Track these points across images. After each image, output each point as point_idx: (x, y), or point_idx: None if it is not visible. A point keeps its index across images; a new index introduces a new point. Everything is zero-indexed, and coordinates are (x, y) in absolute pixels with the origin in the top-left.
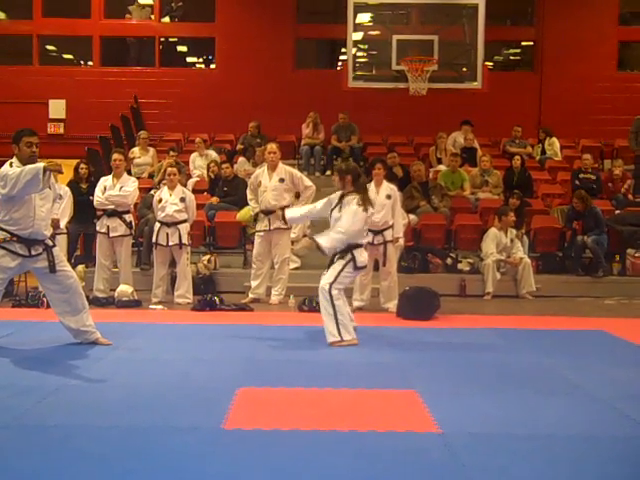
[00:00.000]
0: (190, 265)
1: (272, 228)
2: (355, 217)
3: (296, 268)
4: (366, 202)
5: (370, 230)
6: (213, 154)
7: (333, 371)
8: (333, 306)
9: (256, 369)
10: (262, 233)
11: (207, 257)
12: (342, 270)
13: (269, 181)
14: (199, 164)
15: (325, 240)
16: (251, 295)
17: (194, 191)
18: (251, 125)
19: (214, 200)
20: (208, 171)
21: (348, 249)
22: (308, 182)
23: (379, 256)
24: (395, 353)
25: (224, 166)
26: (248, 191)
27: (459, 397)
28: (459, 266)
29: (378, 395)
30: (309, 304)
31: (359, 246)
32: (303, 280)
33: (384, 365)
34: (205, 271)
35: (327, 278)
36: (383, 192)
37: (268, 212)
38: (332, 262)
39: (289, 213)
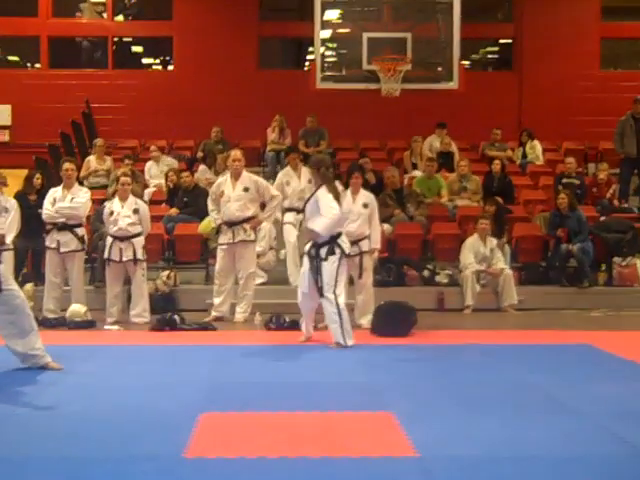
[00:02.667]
0: (147, 282)
1: (236, 241)
2: (332, 203)
3: (262, 283)
4: (334, 191)
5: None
6: (172, 162)
7: (303, 393)
8: (339, 314)
9: (220, 393)
10: (225, 246)
11: (166, 273)
12: (337, 269)
13: (232, 190)
14: (156, 173)
15: (318, 225)
16: (214, 313)
17: (151, 202)
18: (213, 130)
19: (173, 211)
20: (166, 180)
21: (332, 240)
22: (274, 191)
23: (354, 268)
24: (369, 372)
25: (184, 175)
26: (209, 201)
27: (438, 418)
28: (437, 278)
29: (351, 418)
30: (276, 322)
31: (340, 234)
32: (270, 296)
33: (358, 385)
34: (164, 288)
35: (328, 287)
36: (360, 200)
37: (231, 224)
38: (314, 258)
39: (317, 226)
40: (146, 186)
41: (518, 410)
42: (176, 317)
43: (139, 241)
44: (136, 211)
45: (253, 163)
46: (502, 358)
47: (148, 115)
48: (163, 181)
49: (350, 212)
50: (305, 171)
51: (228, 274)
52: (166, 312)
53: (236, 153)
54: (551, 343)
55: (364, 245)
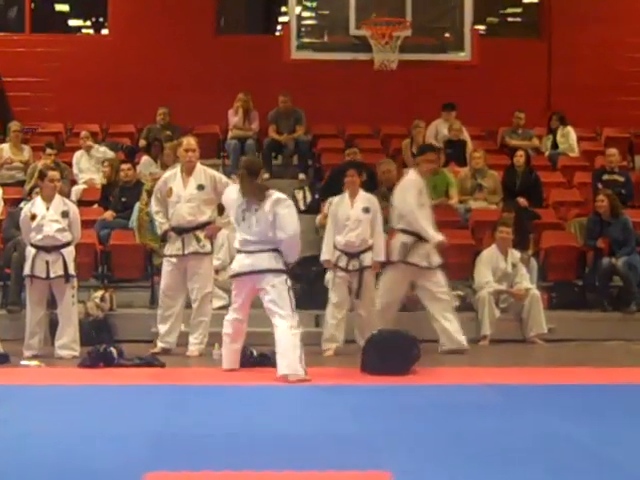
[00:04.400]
0: (77, 305)
1: (187, 252)
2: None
3: (223, 307)
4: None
5: (344, 252)
6: (107, 152)
7: (275, 447)
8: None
9: (170, 447)
10: (173, 259)
11: (100, 293)
12: (289, 293)
13: (184, 188)
14: (87, 166)
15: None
16: (160, 344)
17: (80, 203)
18: (159, 112)
19: (108, 215)
20: (100, 175)
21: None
22: None
23: (352, 285)
24: (360, 422)
25: (123, 167)
26: (153, 201)
27: (445, 479)
28: None
29: (337, 479)
30: (242, 355)
31: None
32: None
33: (345, 438)
34: (97, 312)
35: (285, 318)
36: (359, 204)
37: (181, 230)
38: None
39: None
40: (74, 182)
41: (548, 469)
42: (112, 350)
43: (70, 252)
44: (65, 214)
45: (210, 154)
46: (527, 402)
47: (76, 93)
48: (96, 176)
49: (348, 219)
50: (363, 196)
51: (177, 294)
52: (100, 343)
53: (189, 141)
54: (589, 383)
55: (366, 259)
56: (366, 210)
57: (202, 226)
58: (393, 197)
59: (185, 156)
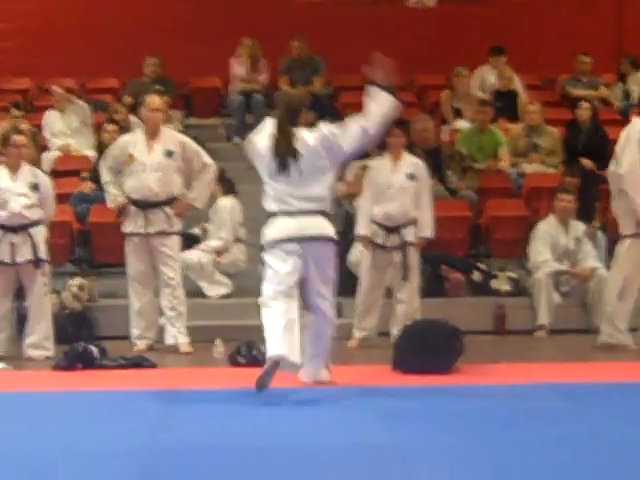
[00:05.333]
0: (50, 295)
1: (152, 231)
2: None
3: (226, 295)
4: None
5: (382, 226)
6: (83, 106)
7: (293, 462)
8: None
9: (163, 463)
10: (135, 239)
11: (77, 282)
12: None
13: (149, 155)
14: (62, 129)
15: None
16: (140, 343)
17: (53, 173)
18: (148, 63)
19: (87, 187)
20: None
21: None
22: (208, 158)
23: (394, 265)
24: (392, 430)
25: (108, 129)
26: (103, 169)
27: None
28: (493, 284)
29: None
30: (247, 352)
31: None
32: (236, 315)
33: (375, 450)
34: (74, 304)
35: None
36: (403, 169)
37: (147, 205)
38: None
39: None
40: (44, 149)
41: None
42: (93, 348)
43: (40, 232)
44: (35, 187)
45: (209, 112)
46: (596, 404)
47: (47, 40)
48: (72, 141)
49: (389, 186)
50: (409, 160)
51: (148, 280)
52: (78, 341)
53: (153, 99)
54: None
55: (408, 234)
56: (412, 177)
57: (172, 200)
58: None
59: (149, 117)
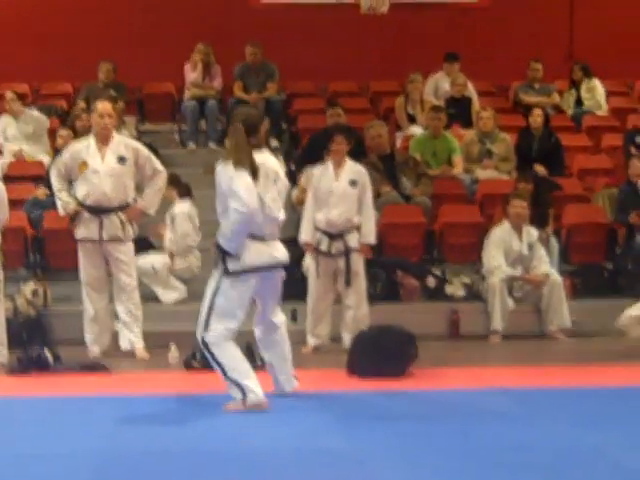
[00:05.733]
0: (3, 301)
1: (106, 237)
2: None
3: (180, 301)
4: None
5: (325, 233)
6: (39, 117)
7: (246, 466)
8: (215, 360)
9: (117, 467)
10: (88, 244)
11: (31, 287)
12: (216, 292)
13: (102, 161)
14: (14, 134)
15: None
16: (95, 349)
17: (5, 179)
18: (101, 68)
19: (40, 193)
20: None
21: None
22: (159, 165)
23: (338, 272)
24: (349, 434)
25: (62, 134)
26: (54, 177)
27: None
28: (448, 290)
29: None
30: (202, 357)
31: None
32: (190, 320)
33: (332, 454)
34: (28, 310)
35: (199, 324)
36: (345, 176)
37: (100, 210)
38: None
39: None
40: None
41: None
42: (47, 354)
43: None
44: None
45: (163, 117)
46: (547, 409)
47: (0, 46)
48: (25, 146)
49: (331, 193)
50: (350, 167)
51: (102, 286)
52: (32, 346)
53: (104, 105)
54: (621, 385)
55: (352, 240)
56: (353, 183)
57: (125, 206)
58: None
59: (100, 123)
